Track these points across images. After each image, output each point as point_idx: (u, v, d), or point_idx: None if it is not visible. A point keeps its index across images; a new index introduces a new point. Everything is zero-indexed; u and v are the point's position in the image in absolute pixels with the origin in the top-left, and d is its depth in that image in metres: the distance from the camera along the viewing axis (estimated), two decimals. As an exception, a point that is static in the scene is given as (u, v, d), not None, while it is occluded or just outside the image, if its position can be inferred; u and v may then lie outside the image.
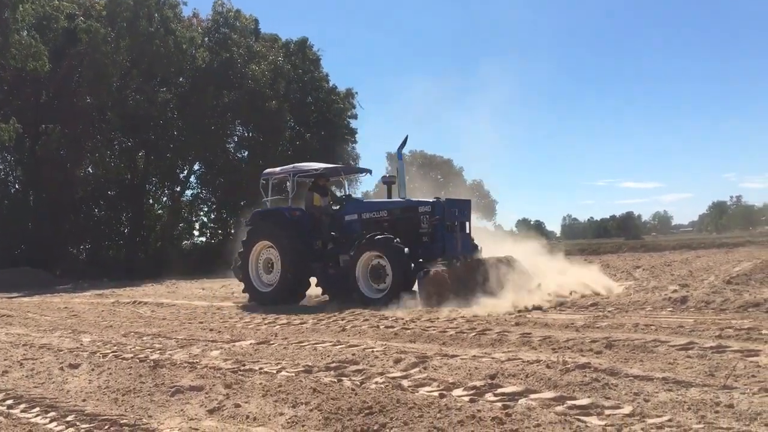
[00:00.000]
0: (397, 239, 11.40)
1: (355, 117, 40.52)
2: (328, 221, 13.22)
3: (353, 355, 6.41)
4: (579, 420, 3.92)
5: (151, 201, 37.56)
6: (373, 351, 6.56)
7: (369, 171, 15.68)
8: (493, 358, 5.88)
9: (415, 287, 10.81)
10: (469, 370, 5.44)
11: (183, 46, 31.91)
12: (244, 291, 13.51)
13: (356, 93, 40.42)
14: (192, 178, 37.77)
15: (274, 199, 14.33)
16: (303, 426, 4.32)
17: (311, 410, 4.55)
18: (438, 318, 8.87)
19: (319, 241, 12.98)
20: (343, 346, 7.05)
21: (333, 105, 38.67)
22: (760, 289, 10.23)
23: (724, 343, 5.86)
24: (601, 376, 4.88)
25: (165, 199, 38.35)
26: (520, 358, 5.73)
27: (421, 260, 11.57)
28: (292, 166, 14.30)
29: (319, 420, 4.36)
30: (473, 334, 7.32)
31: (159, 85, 33.28)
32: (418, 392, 4.83)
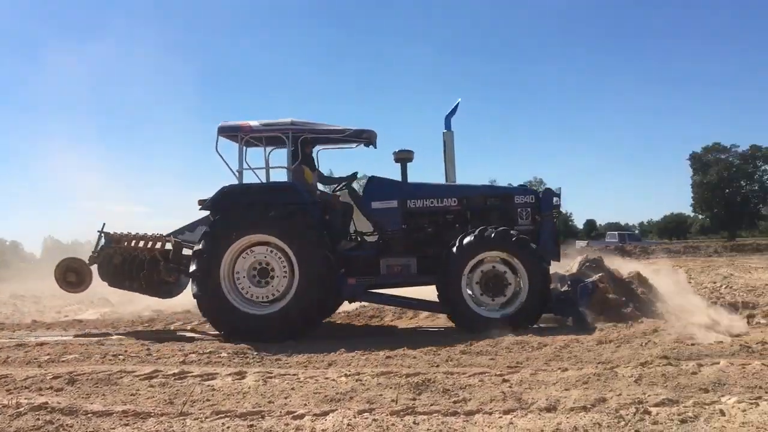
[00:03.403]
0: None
1: None
2: (341, 209, 9.58)
3: None
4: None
5: None
6: None
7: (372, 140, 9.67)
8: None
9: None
10: None
11: None
12: (207, 317, 8.84)
13: None
14: None
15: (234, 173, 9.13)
16: None
17: None
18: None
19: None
20: None
21: None
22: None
23: (187, 369, 6.16)
24: (57, 417, 4.57)
25: None
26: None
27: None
28: (289, 120, 9.27)
29: None
30: None
31: None
32: None
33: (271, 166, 9.55)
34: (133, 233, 10.43)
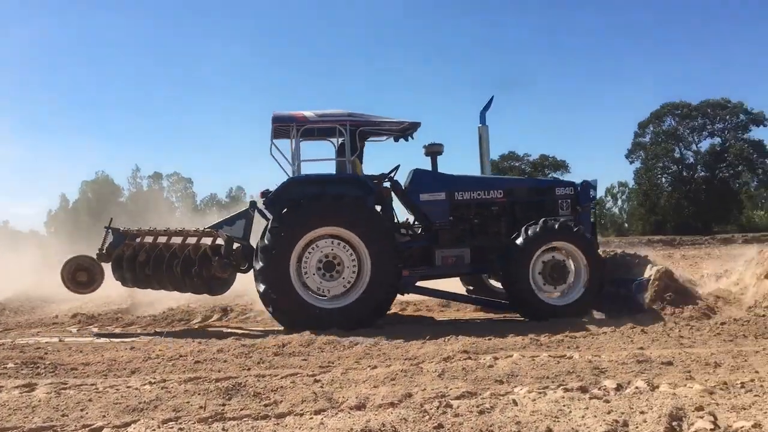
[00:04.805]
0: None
1: None
2: (390, 202, 9.60)
3: None
4: None
5: None
6: None
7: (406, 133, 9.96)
8: None
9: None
10: None
11: None
12: (274, 311, 8.62)
13: None
14: None
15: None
16: None
17: None
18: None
19: None
20: None
21: None
22: None
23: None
24: None
25: None
26: None
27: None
28: (346, 112, 9.19)
29: None
30: None
31: None
32: None
33: (329, 158, 9.62)
34: (151, 228, 9.58)
